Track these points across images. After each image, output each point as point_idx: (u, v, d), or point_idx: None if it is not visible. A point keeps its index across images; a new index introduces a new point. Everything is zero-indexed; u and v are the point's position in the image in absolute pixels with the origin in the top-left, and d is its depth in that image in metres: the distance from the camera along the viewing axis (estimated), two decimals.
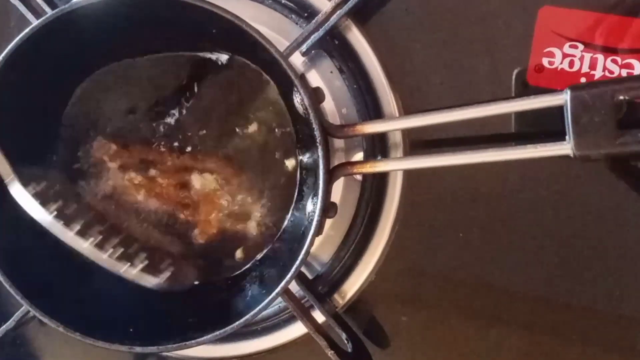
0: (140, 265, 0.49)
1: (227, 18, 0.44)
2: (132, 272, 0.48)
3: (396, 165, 0.50)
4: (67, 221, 0.47)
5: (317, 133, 0.44)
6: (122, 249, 0.49)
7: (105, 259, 0.48)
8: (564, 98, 0.42)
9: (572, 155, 0.42)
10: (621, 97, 0.41)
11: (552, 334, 0.52)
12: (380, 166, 0.48)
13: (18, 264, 0.48)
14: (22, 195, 0.46)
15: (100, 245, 0.48)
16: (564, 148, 0.43)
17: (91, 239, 0.48)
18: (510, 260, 0.52)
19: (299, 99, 0.47)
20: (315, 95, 0.46)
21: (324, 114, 0.52)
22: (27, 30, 0.45)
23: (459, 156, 0.45)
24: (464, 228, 0.53)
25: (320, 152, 0.44)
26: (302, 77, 0.49)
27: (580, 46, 0.50)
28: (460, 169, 0.52)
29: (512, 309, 0.53)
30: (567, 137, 0.42)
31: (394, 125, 0.49)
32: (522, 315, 0.53)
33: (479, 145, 0.50)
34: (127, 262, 0.48)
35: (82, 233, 0.48)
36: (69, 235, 0.47)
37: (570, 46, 0.50)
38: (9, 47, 0.45)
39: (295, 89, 0.46)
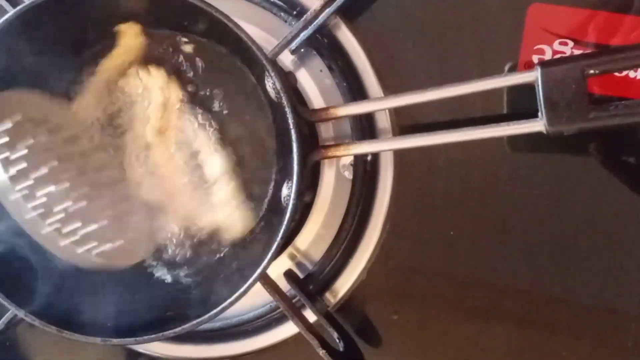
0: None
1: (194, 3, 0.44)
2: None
3: (370, 148, 0.50)
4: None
5: (289, 117, 0.44)
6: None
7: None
8: (534, 75, 0.42)
9: (544, 131, 0.43)
10: (592, 72, 0.42)
11: (544, 329, 0.52)
12: (354, 149, 0.48)
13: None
14: None
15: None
16: (537, 125, 0.43)
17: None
18: (501, 256, 0.52)
19: (270, 84, 0.47)
20: (287, 79, 0.46)
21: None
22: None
23: (431, 137, 0.45)
24: (455, 226, 0.53)
25: (293, 135, 0.44)
26: (273, 62, 0.49)
27: (571, 43, 0.50)
28: (450, 166, 0.52)
29: (503, 305, 0.53)
30: (539, 113, 0.43)
31: (367, 107, 0.49)
32: (514, 311, 0.53)
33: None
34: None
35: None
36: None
37: (560, 43, 0.50)
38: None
39: (267, 74, 0.46)
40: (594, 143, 0.50)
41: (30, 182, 0.47)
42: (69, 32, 0.49)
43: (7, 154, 0.47)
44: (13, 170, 0.47)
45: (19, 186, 0.47)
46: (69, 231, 0.49)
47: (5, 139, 0.47)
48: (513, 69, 0.51)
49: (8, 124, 0.47)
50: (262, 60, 0.44)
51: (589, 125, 0.42)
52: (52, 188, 0.48)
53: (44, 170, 0.48)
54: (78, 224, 0.49)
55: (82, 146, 0.52)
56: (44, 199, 0.48)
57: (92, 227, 0.49)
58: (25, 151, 0.47)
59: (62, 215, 0.48)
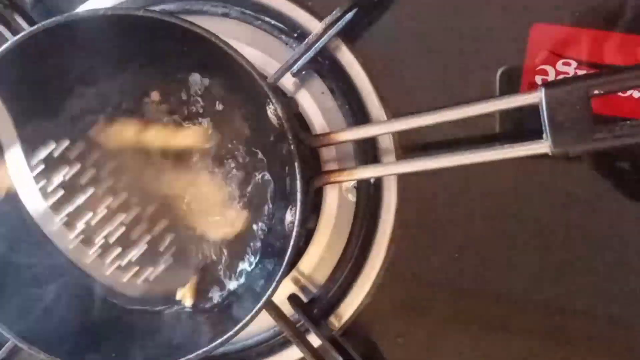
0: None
1: (195, 31, 0.44)
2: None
3: (374, 172, 0.49)
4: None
5: (292, 143, 0.44)
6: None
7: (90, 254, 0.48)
8: (538, 96, 0.42)
9: (549, 152, 0.42)
10: (596, 92, 0.41)
11: (555, 342, 0.52)
12: (357, 174, 0.48)
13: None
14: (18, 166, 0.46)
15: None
16: (542, 146, 0.43)
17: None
18: (507, 277, 0.52)
19: (272, 110, 0.46)
20: (289, 105, 0.46)
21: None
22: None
23: (435, 160, 0.45)
24: (459, 246, 0.52)
25: (296, 162, 0.44)
26: (275, 88, 0.49)
27: (574, 63, 0.49)
28: (453, 184, 0.52)
29: (510, 326, 0.52)
30: (544, 134, 0.42)
31: (369, 131, 0.49)
32: (522, 330, 0.52)
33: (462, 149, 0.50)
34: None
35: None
36: (55, 222, 0.48)
37: (564, 63, 0.50)
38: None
39: (268, 100, 0.45)
40: (598, 158, 0.50)
41: (69, 210, 0.49)
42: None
43: (44, 182, 0.49)
44: (52, 199, 0.49)
45: (59, 215, 0.49)
46: (112, 259, 0.50)
47: (41, 167, 0.49)
48: (516, 90, 0.50)
49: (43, 153, 0.48)
50: (263, 87, 0.44)
51: (594, 146, 0.42)
52: (90, 215, 0.50)
53: (82, 198, 0.50)
54: (119, 250, 0.50)
55: (116, 172, 0.52)
56: (83, 227, 0.50)
57: (133, 252, 0.51)
58: (61, 179, 0.49)
59: (102, 242, 0.50)
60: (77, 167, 0.50)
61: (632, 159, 0.50)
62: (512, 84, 0.51)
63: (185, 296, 0.52)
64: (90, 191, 0.51)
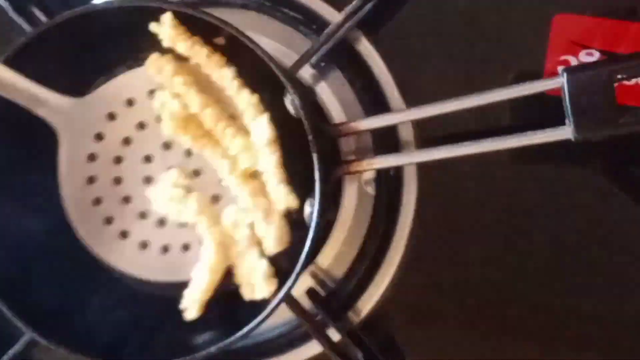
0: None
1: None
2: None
3: (394, 161, 0.49)
4: None
5: (309, 133, 0.43)
6: None
7: None
8: (560, 81, 0.42)
9: (572, 138, 0.42)
10: (619, 77, 0.41)
11: (574, 347, 0.51)
12: (377, 163, 0.47)
13: (18, 288, 0.47)
14: None
15: None
16: (564, 133, 0.42)
17: None
18: (530, 273, 0.51)
19: (289, 100, 0.46)
20: (307, 95, 0.45)
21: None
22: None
23: (455, 149, 0.44)
24: (481, 242, 0.52)
25: (314, 152, 0.43)
26: (293, 77, 0.48)
27: (597, 54, 0.49)
28: (476, 179, 0.51)
29: (532, 321, 0.52)
30: (566, 120, 0.42)
31: (389, 120, 0.48)
32: (541, 328, 0.52)
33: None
34: None
35: None
36: None
37: (587, 54, 0.49)
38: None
39: (286, 90, 0.45)
40: (625, 156, 0.49)
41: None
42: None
43: None
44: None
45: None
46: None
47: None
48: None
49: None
50: (281, 76, 0.43)
51: (619, 131, 0.41)
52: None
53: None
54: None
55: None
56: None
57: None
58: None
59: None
60: None
61: None
62: (534, 76, 0.50)
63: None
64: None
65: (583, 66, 0.43)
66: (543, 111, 0.45)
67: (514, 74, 0.50)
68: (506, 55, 0.51)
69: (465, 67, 0.51)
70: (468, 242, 0.52)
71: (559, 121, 0.42)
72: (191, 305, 0.47)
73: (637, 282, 0.50)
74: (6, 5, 0.51)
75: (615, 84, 0.41)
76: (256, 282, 0.47)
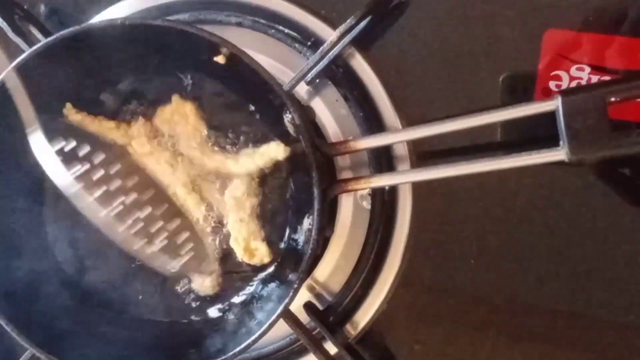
0: (159, 245, 0.48)
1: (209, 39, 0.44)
2: (148, 251, 0.47)
3: (390, 181, 0.50)
4: (89, 186, 0.46)
5: (308, 152, 0.44)
6: (142, 224, 0.48)
7: (121, 232, 0.46)
8: (555, 104, 0.42)
9: (566, 159, 0.42)
10: (613, 99, 0.42)
11: (575, 347, 0.52)
12: (373, 182, 0.48)
13: (20, 307, 0.48)
14: (42, 148, 0.45)
15: (119, 217, 0.47)
16: (559, 154, 0.43)
17: (110, 208, 0.47)
18: (522, 284, 0.52)
19: (289, 119, 0.47)
20: (306, 113, 0.46)
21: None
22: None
23: (451, 168, 0.45)
24: (476, 254, 0.52)
25: (313, 171, 0.44)
26: (292, 97, 0.49)
27: (587, 69, 0.50)
28: (468, 192, 0.52)
29: (526, 333, 0.52)
30: (560, 142, 0.42)
31: (385, 140, 0.49)
32: (538, 335, 0.52)
33: (478, 156, 0.49)
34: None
35: (102, 201, 0.46)
36: (87, 201, 0.46)
37: (577, 69, 0.50)
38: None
39: (285, 109, 0.46)
40: (612, 168, 0.50)
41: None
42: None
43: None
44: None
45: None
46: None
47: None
48: (530, 95, 0.50)
49: (73, 143, 0.48)
50: (280, 95, 0.44)
51: (612, 152, 0.42)
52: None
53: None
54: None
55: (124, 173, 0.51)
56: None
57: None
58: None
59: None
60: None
61: None
62: (526, 90, 0.51)
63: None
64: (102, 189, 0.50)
65: (577, 88, 0.43)
66: (538, 127, 0.46)
67: (506, 90, 0.51)
68: (499, 71, 0.51)
69: (458, 82, 0.52)
70: (464, 254, 0.53)
71: (553, 138, 0.43)
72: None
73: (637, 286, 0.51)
74: (5, 26, 0.51)
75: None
76: (258, 247, 0.50)
